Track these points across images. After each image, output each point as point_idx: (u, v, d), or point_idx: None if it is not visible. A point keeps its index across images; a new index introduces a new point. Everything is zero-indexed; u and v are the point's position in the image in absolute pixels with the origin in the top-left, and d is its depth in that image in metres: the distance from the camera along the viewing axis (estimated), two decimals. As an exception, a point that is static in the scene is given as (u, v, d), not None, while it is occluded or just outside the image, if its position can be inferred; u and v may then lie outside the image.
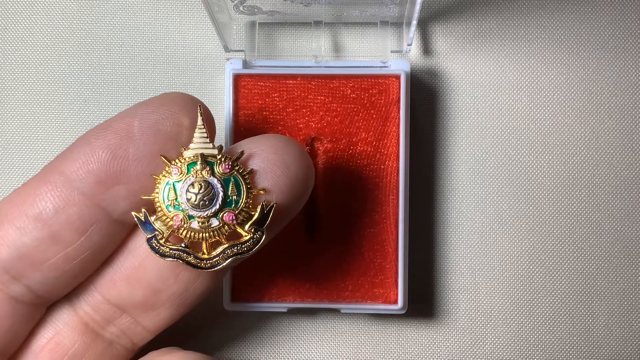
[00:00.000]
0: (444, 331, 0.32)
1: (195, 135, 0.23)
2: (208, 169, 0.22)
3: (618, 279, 0.32)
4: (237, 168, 0.23)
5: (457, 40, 0.32)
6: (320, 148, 0.31)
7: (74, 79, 0.33)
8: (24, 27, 0.33)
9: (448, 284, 0.32)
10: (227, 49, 0.31)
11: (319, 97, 0.30)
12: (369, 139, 0.30)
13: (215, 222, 0.23)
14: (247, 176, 0.23)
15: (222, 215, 0.23)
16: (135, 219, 0.23)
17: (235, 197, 0.23)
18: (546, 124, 0.32)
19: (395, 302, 0.30)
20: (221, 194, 0.22)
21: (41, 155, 0.32)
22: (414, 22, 0.29)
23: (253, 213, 0.23)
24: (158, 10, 0.33)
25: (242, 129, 0.30)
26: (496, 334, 0.32)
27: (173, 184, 0.22)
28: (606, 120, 0.32)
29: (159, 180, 0.23)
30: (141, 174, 0.23)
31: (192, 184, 0.22)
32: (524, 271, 0.32)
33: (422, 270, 0.32)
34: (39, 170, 0.33)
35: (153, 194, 0.23)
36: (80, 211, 0.23)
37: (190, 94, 0.32)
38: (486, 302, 0.32)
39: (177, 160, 0.23)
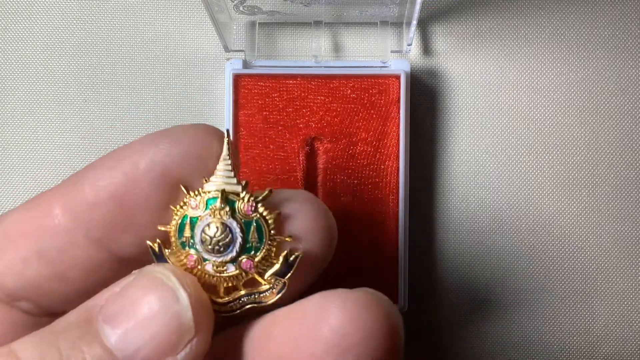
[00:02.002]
0: (444, 331, 0.32)
1: (219, 167, 0.20)
2: (228, 209, 0.20)
3: (618, 279, 0.32)
4: (261, 210, 0.20)
5: (457, 40, 0.32)
6: (320, 148, 0.31)
7: (74, 79, 0.33)
8: (24, 27, 0.33)
9: (448, 284, 0.32)
10: (227, 49, 0.31)
11: (319, 97, 0.30)
12: (369, 139, 0.30)
13: (231, 269, 0.20)
14: (271, 220, 0.20)
15: (240, 262, 0.20)
16: (150, 249, 0.20)
17: (256, 243, 0.20)
18: (546, 124, 0.32)
19: (395, 302, 0.30)
20: (239, 239, 0.20)
21: (41, 155, 0.32)
22: (414, 22, 0.29)
23: (275, 262, 0.20)
24: (158, 10, 0.33)
25: (242, 129, 0.30)
26: (496, 334, 0.32)
27: (190, 220, 0.20)
28: (606, 120, 0.32)
29: (175, 212, 0.20)
30: (150, 223, 0.20)
31: (209, 225, 0.19)
32: (524, 271, 0.32)
33: (422, 270, 0.32)
34: (38, 170, 0.33)
35: (169, 226, 0.20)
36: (85, 254, 0.21)
37: (190, 94, 0.33)
38: (486, 302, 0.32)
39: (197, 192, 0.20)
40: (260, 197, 0.20)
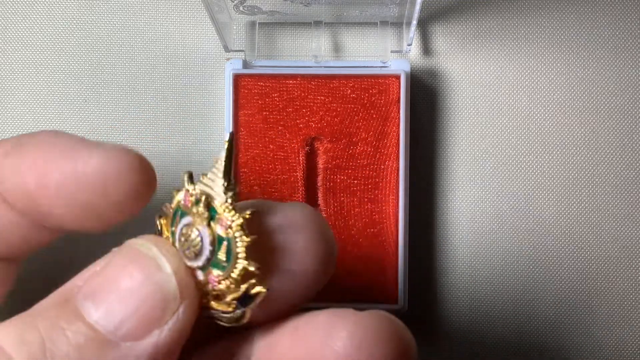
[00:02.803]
0: (444, 331, 0.32)
1: (216, 167, 0.18)
2: (206, 216, 0.18)
3: (618, 279, 0.32)
4: (234, 233, 0.17)
5: (457, 40, 0.32)
6: (320, 148, 0.31)
7: (74, 79, 0.33)
8: (24, 27, 0.33)
9: (448, 284, 0.32)
10: (227, 49, 0.31)
11: (319, 97, 0.30)
12: (369, 139, 0.30)
13: (200, 276, 0.18)
14: (241, 248, 0.17)
15: (208, 274, 0.18)
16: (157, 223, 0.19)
17: (222, 262, 0.17)
18: (546, 124, 0.32)
19: (395, 302, 0.30)
20: (207, 252, 0.18)
21: (41, 155, 0.32)
22: (414, 22, 0.29)
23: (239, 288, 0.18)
24: (158, 10, 0.33)
25: (242, 129, 0.30)
26: (496, 334, 0.32)
27: (180, 213, 0.18)
28: (606, 120, 0.32)
29: (174, 197, 0.19)
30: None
31: (188, 225, 0.18)
32: (524, 271, 0.32)
33: (422, 270, 0.32)
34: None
35: (169, 209, 0.19)
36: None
37: (190, 94, 0.33)
38: (486, 302, 0.32)
39: (193, 188, 0.18)
40: (239, 218, 0.17)
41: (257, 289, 0.18)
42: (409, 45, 0.31)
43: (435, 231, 0.32)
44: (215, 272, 0.18)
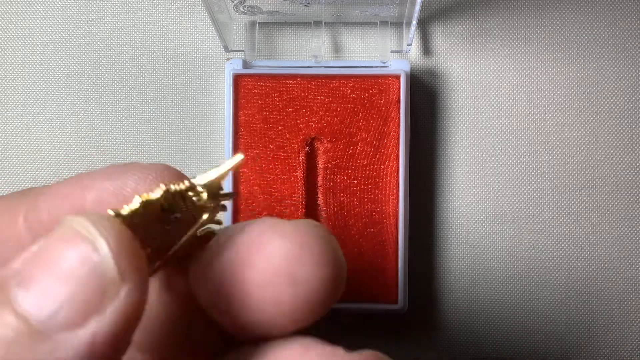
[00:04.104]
0: (444, 331, 0.32)
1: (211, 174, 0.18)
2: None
3: (618, 279, 0.32)
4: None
5: (457, 40, 0.32)
6: (320, 148, 0.31)
7: (74, 79, 0.33)
8: (24, 27, 0.33)
9: (448, 284, 0.32)
10: (227, 49, 0.31)
11: (319, 97, 0.30)
12: (369, 139, 0.30)
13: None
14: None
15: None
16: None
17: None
18: (546, 124, 0.32)
19: (395, 302, 0.30)
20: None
21: (41, 155, 0.32)
22: (414, 22, 0.29)
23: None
24: (158, 10, 0.33)
25: (242, 129, 0.30)
26: (496, 334, 0.32)
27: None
28: (606, 120, 0.32)
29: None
30: None
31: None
32: (523, 271, 0.32)
33: (422, 270, 0.32)
34: (38, 170, 0.33)
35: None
36: None
37: (190, 94, 0.33)
38: (486, 301, 0.32)
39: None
40: (203, 227, 0.17)
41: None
42: (409, 45, 0.31)
43: (435, 231, 0.32)
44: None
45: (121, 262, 0.15)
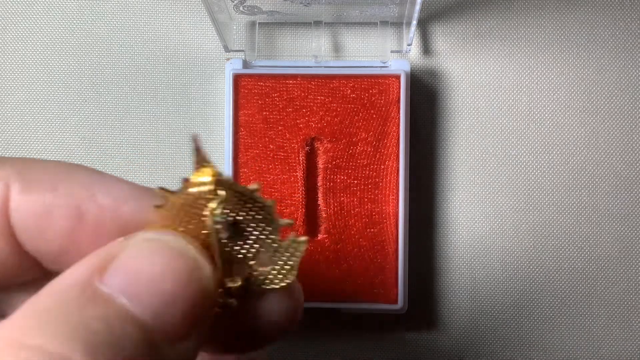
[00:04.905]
0: (444, 331, 0.32)
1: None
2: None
3: (618, 279, 0.32)
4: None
5: (457, 40, 0.32)
6: (320, 148, 0.31)
7: (74, 79, 0.33)
8: (24, 27, 0.33)
9: (448, 284, 0.32)
10: (227, 49, 0.31)
11: (319, 97, 0.30)
12: (369, 139, 0.30)
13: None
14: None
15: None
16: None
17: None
18: (546, 124, 0.32)
19: (395, 302, 0.30)
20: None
21: (41, 155, 0.32)
22: (414, 22, 0.29)
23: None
24: (158, 10, 0.33)
25: (242, 129, 0.30)
26: (496, 334, 0.32)
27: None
28: (606, 120, 0.32)
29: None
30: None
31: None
32: (524, 271, 0.32)
33: (422, 270, 0.32)
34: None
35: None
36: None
37: (190, 94, 0.33)
38: (486, 302, 0.32)
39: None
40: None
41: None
42: (409, 45, 0.31)
43: (435, 231, 0.32)
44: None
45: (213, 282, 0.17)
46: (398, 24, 0.32)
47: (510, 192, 0.32)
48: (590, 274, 0.32)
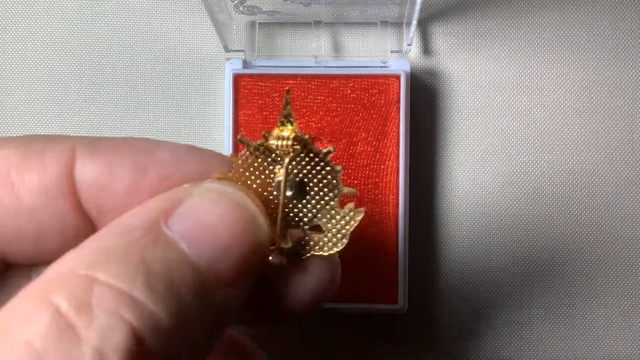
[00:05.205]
0: (444, 331, 0.32)
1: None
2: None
3: (618, 279, 0.32)
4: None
5: (457, 40, 0.32)
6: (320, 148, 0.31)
7: (74, 79, 0.33)
8: (24, 27, 0.33)
9: (448, 284, 0.32)
10: (227, 49, 0.31)
11: (319, 97, 0.30)
12: (369, 139, 0.30)
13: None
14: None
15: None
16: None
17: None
18: (546, 124, 0.32)
19: (395, 301, 0.30)
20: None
21: (41, 155, 0.32)
22: (414, 22, 0.29)
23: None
24: (158, 10, 0.33)
25: (242, 129, 0.30)
26: (496, 334, 0.32)
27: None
28: (606, 120, 0.32)
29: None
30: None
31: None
32: (523, 271, 0.32)
33: (422, 270, 0.32)
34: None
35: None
36: None
37: (190, 94, 0.33)
38: (486, 302, 0.32)
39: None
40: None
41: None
42: (409, 45, 0.31)
43: (435, 231, 0.32)
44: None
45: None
46: (398, 24, 0.32)
47: (510, 192, 0.32)
48: (590, 273, 0.32)
